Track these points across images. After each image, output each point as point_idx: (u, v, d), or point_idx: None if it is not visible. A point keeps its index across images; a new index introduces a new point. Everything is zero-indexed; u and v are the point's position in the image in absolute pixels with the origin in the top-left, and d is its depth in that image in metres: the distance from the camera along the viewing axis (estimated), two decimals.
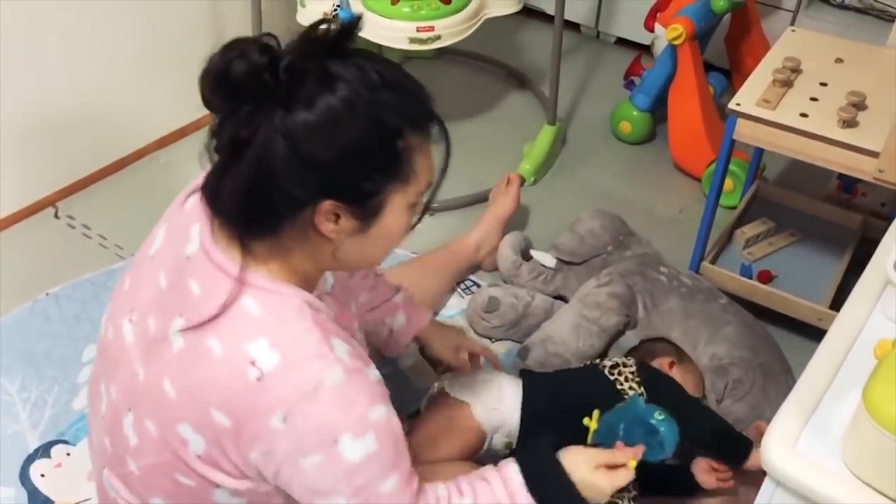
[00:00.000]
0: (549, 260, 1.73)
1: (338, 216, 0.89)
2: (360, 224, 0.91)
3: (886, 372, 0.95)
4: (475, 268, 1.82)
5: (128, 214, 1.97)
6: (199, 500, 0.97)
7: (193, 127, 2.25)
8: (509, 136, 2.27)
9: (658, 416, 1.17)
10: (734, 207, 1.95)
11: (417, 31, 1.88)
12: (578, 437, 1.20)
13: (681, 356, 1.50)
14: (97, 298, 1.75)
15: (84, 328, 1.68)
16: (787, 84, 1.53)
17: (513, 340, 1.67)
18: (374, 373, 0.96)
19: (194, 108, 2.20)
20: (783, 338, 1.70)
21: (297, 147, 0.84)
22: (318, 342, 0.90)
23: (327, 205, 0.88)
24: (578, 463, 1.09)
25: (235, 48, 0.84)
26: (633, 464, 1.10)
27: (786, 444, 1.01)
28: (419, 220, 0.98)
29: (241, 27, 2.08)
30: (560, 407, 1.30)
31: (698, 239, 1.73)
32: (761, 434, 1.42)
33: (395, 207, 0.92)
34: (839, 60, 1.62)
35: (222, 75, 0.83)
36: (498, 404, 1.32)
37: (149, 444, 0.96)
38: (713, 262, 1.77)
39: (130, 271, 1.06)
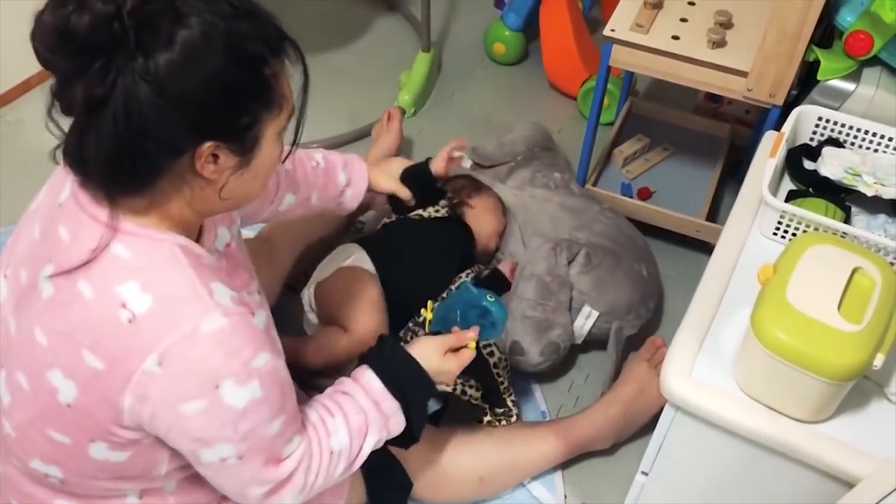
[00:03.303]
0: (466, 162, 1.81)
1: (216, 156, 0.87)
2: (241, 160, 0.89)
3: (770, 298, 1.01)
4: (365, 209, 1.80)
5: None
6: (79, 460, 0.94)
7: (38, 78, 2.06)
8: (384, 66, 2.21)
9: (489, 299, 1.24)
10: (610, 124, 1.99)
11: None
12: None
13: (478, 187, 1.67)
14: None
15: None
16: (658, 6, 1.55)
17: None
18: (260, 320, 0.95)
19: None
20: (665, 249, 1.79)
21: (165, 88, 0.80)
22: (193, 285, 0.89)
23: (206, 146, 0.85)
24: (428, 354, 1.13)
25: (67, 1, 0.77)
26: (473, 344, 1.18)
27: (683, 372, 1.07)
28: (293, 149, 0.98)
29: None
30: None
31: (581, 162, 1.76)
32: (657, 348, 1.52)
33: (270, 137, 0.91)
34: None
35: (62, 32, 0.77)
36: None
37: (21, 398, 0.93)
38: (595, 183, 1.81)
39: (15, 228, 1.02)
